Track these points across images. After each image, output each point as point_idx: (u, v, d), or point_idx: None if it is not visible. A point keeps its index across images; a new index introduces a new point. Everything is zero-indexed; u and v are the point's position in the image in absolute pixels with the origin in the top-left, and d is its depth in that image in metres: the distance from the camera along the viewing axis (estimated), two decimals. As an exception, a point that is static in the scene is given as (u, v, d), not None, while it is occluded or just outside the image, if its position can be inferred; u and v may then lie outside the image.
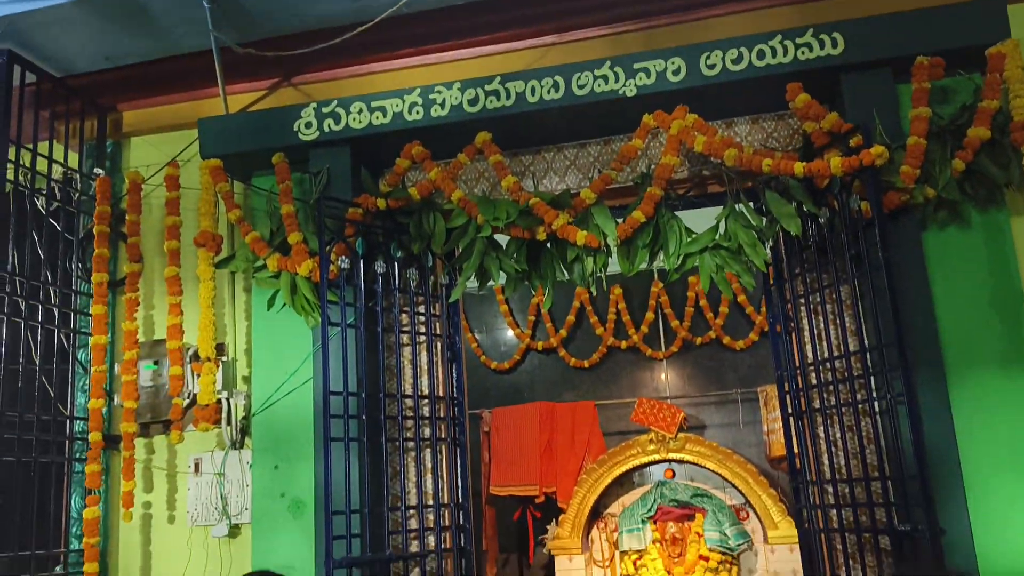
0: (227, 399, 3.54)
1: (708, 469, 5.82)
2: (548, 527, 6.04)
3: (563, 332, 7.07)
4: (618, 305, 6.98)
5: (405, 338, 3.55)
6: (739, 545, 5.29)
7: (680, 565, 5.50)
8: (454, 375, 3.65)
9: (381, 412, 3.38)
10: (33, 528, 3.46)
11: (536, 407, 6.47)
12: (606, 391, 6.94)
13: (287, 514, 3.41)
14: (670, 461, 5.98)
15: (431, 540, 3.38)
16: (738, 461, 5.65)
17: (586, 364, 7.02)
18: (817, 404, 3.28)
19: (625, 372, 7.06)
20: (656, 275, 6.73)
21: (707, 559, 5.41)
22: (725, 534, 5.35)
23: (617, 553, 5.81)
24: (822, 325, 3.30)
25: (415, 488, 3.46)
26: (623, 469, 5.97)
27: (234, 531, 3.55)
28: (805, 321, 3.35)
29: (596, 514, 5.99)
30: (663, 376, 6.93)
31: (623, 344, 6.96)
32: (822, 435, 3.27)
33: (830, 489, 3.20)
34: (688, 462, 5.90)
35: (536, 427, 6.41)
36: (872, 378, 3.09)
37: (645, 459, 5.91)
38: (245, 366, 3.68)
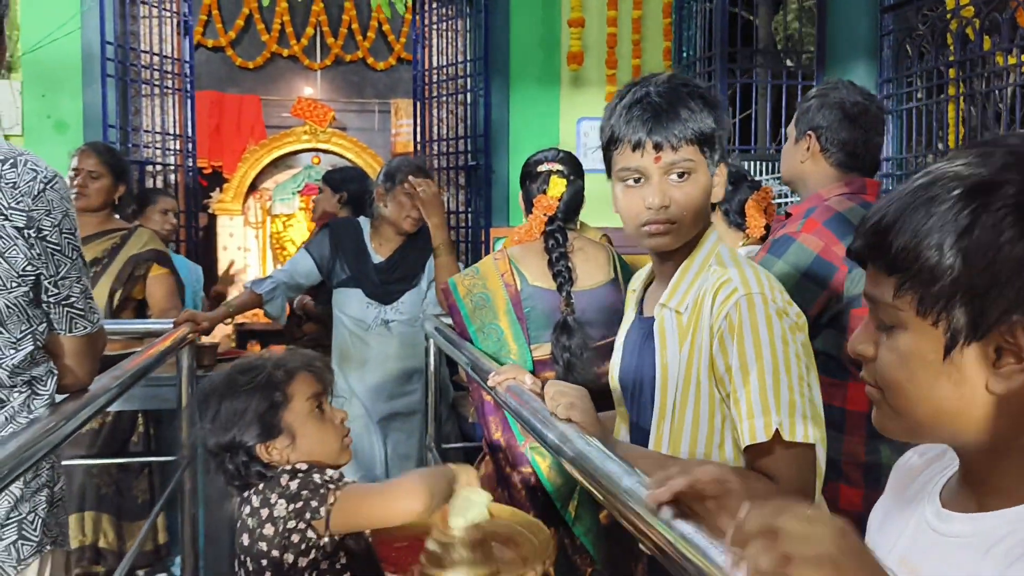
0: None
1: (347, 159, 7.68)
2: (212, 194, 7.79)
3: (232, 34, 7.99)
4: (283, 17, 8.02)
5: (144, 10, 4.68)
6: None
7: (320, 224, 7.77)
8: (187, 44, 4.93)
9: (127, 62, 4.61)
10: None
11: (206, 95, 7.62)
12: (266, 90, 8.21)
13: (52, 131, 4.57)
14: (318, 150, 7.89)
15: (170, 159, 4.84)
16: (371, 154, 7.79)
17: (251, 65, 8.08)
18: (436, 94, 5.10)
19: (285, 77, 8.30)
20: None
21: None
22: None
23: (269, 217, 7.85)
24: (444, 44, 5.09)
25: (151, 121, 4.77)
26: (281, 152, 7.82)
27: (6, 140, 4.32)
28: (435, 40, 5.11)
29: (253, 187, 7.83)
30: (317, 83, 8.31)
31: (285, 52, 8.12)
32: (434, 114, 5.12)
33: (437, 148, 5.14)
34: (332, 152, 7.84)
35: (205, 112, 7.52)
36: (468, 80, 4.94)
37: (299, 146, 7.82)
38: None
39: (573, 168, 2.36)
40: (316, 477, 1.45)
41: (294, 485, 1.43)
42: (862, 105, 2.04)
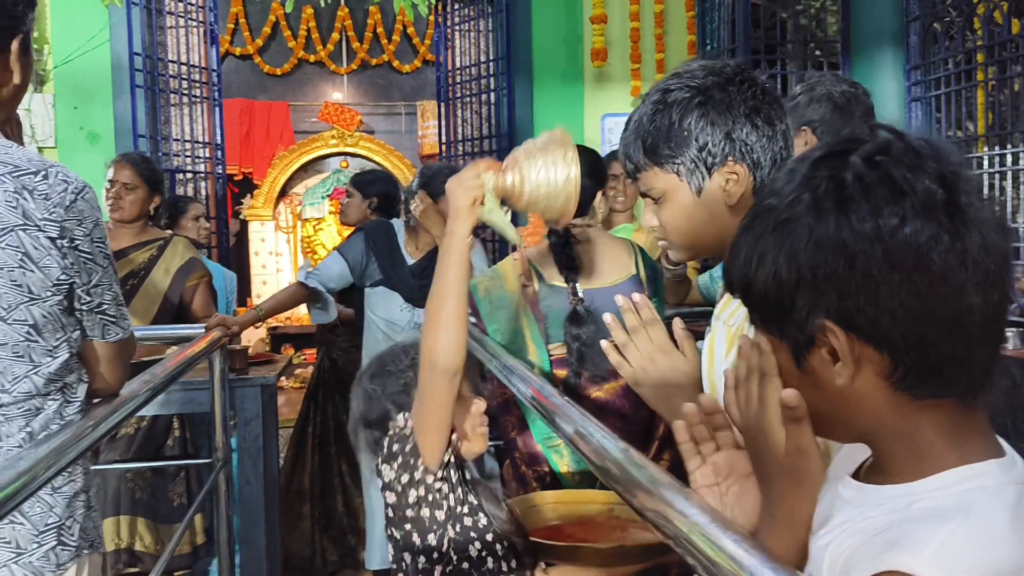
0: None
1: (375, 162, 7.70)
2: (243, 200, 7.87)
3: (259, 42, 8.12)
4: (309, 24, 8.14)
5: (171, 20, 4.77)
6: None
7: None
8: (213, 53, 4.99)
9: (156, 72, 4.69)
10: None
11: (236, 102, 7.74)
12: (294, 96, 8.32)
13: (85, 142, 4.67)
14: (346, 154, 7.96)
15: (200, 166, 4.92)
16: (399, 156, 7.88)
17: (279, 72, 8.20)
18: (460, 95, 5.16)
19: (312, 82, 8.39)
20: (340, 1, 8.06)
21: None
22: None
23: (300, 222, 7.95)
24: (467, 44, 5.14)
25: (180, 130, 4.85)
26: (309, 157, 7.90)
27: (40, 153, 4.59)
28: (457, 41, 5.18)
29: (284, 193, 7.94)
30: (344, 88, 8.38)
31: (312, 58, 8.21)
32: (459, 115, 5.19)
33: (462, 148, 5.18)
34: (360, 155, 7.90)
35: (235, 119, 7.67)
36: (492, 79, 4.98)
37: (327, 151, 7.91)
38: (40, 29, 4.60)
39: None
40: (396, 432, 1.50)
41: (385, 444, 1.50)
42: (850, 93, 2.04)
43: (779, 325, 0.76)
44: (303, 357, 7.43)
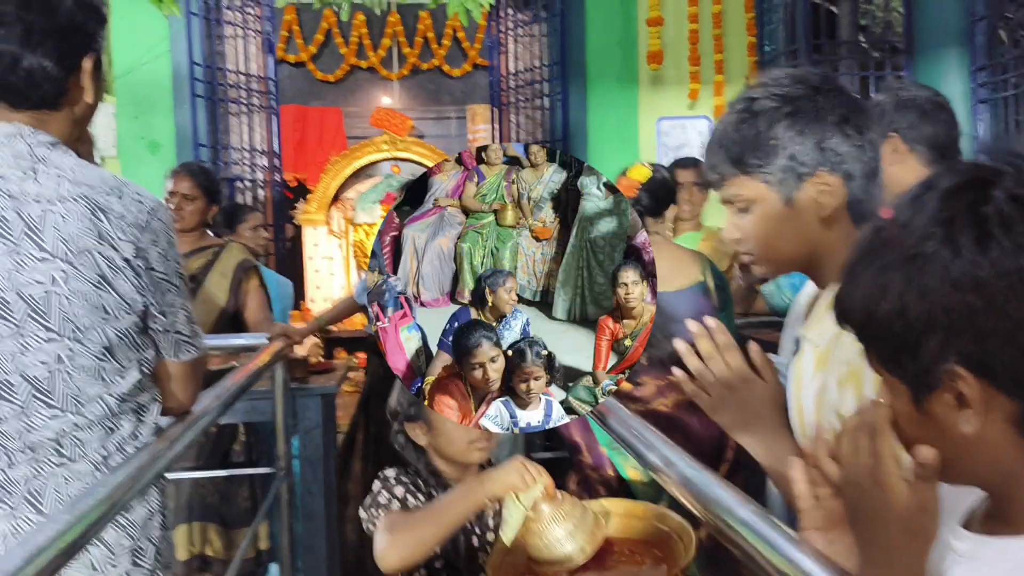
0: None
1: (425, 166, 7.51)
2: (297, 205, 7.80)
3: (312, 49, 8.17)
4: (361, 30, 8.15)
5: (229, 30, 4.83)
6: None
7: (400, 231, 7.72)
8: (271, 62, 5.14)
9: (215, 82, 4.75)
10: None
11: (289, 109, 7.78)
12: (346, 102, 8.39)
13: (146, 151, 4.70)
14: (397, 159, 7.83)
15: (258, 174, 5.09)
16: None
17: (331, 79, 8.27)
18: (513, 100, 5.16)
19: (364, 88, 8.45)
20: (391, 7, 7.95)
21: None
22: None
23: (352, 226, 7.78)
24: (520, 49, 5.15)
25: (240, 138, 4.94)
26: (362, 163, 7.77)
27: (102, 163, 4.63)
28: (511, 46, 5.18)
29: (336, 198, 7.78)
30: (395, 93, 8.45)
31: (363, 64, 8.24)
32: (512, 120, 5.22)
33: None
34: (412, 160, 7.75)
35: (288, 126, 7.68)
36: (545, 84, 4.97)
37: (379, 156, 7.78)
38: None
39: (666, 169, 2.36)
40: (385, 494, 1.61)
41: (376, 486, 1.64)
42: (934, 100, 2.01)
43: (900, 365, 0.72)
44: (355, 361, 7.47)
